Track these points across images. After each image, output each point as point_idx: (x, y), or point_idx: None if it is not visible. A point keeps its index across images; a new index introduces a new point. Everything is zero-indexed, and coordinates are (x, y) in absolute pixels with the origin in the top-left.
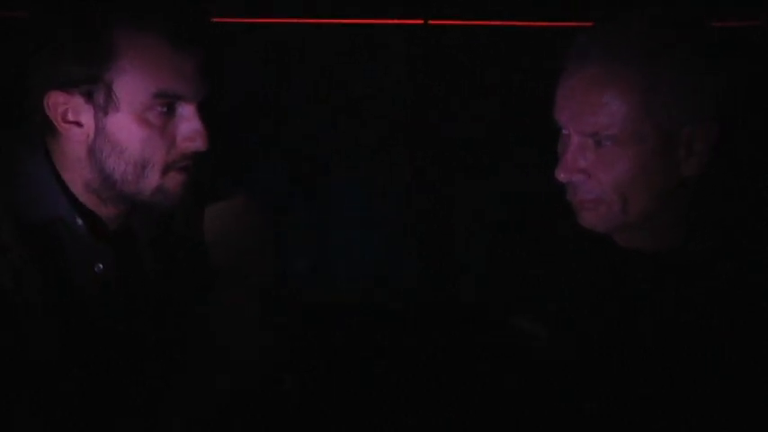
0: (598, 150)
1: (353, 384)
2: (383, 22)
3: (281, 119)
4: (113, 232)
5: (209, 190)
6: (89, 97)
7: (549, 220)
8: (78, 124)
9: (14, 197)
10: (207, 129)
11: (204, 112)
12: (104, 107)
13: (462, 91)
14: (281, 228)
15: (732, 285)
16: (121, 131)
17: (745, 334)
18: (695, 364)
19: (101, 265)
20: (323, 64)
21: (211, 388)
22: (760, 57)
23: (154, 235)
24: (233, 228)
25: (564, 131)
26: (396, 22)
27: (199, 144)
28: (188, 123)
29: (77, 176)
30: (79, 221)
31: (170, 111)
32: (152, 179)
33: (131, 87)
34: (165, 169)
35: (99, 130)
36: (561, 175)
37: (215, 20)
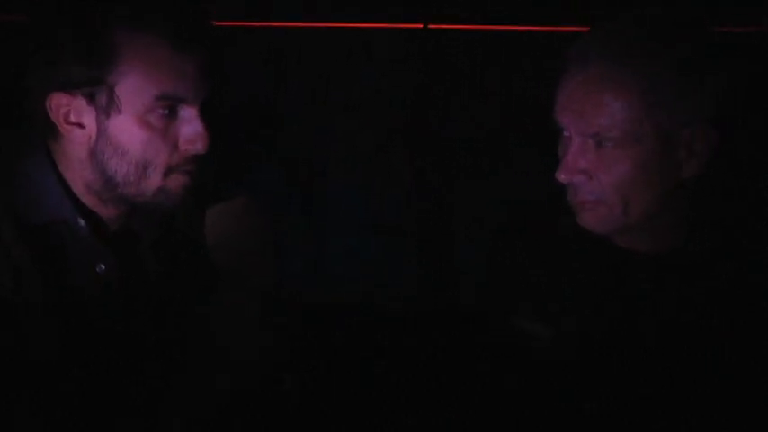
0: (599, 151)
1: (353, 385)
2: (383, 26)
3: (282, 122)
4: (115, 233)
5: (210, 191)
6: (91, 99)
7: (550, 222)
8: (80, 126)
9: (16, 198)
10: (208, 131)
11: (206, 114)
12: (106, 109)
13: (462, 94)
14: (281, 230)
15: (732, 286)
16: (123, 133)
17: (746, 334)
18: (696, 365)
19: (102, 266)
20: (323, 68)
21: (211, 388)
22: (759, 58)
23: (155, 236)
24: (234, 229)
25: (565, 133)
26: (396, 26)
27: (200, 146)
28: (189, 126)
29: (79, 177)
30: (81, 222)
31: (172, 113)
32: (154, 181)
33: (133, 89)
34: (167, 171)
35: (101, 131)
36: (562, 177)
37: (216, 23)
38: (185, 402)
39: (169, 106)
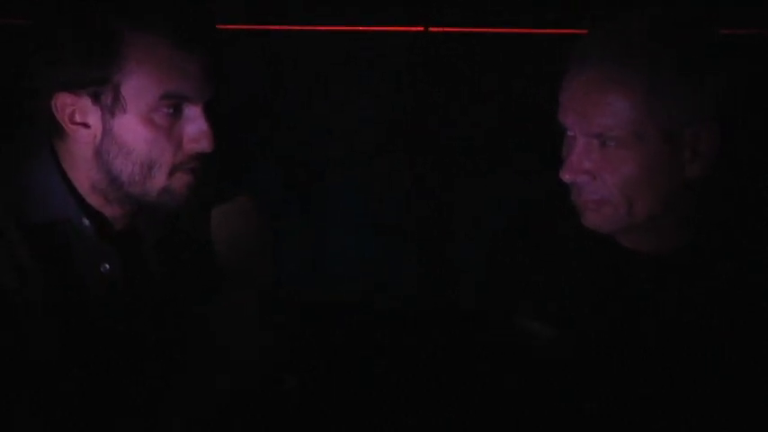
0: (603, 151)
1: (353, 384)
2: (384, 29)
3: (283, 123)
4: (119, 233)
5: (213, 191)
6: (96, 98)
7: (553, 221)
8: (85, 125)
9: (20, 197)
10: (213, 130)
11: (210, 113)
12: (111, 108)
13: (462, 97)
14: (281, 229)
15: (736, 286)
16: (128, 133)
17: (749, 335)
18: (698, 365)
19: (107, 266)
20: (324, 70)
21: (212, 388)
22: (761, 59)
23: (159, 236)
24: (236, 228)
25: (569, 133)
26: (397, 29)
27: (205, 145)
28: (194, 124)
29: (84, 177)
30: (86, 222)
31: (176, 112)
32: (159, 180)
33: (138, 89)
34: (172, 170)
35: (106, 131)
36: (566, 176)
37: (218, 26)
38: (186, 402)
39: (174, 105)
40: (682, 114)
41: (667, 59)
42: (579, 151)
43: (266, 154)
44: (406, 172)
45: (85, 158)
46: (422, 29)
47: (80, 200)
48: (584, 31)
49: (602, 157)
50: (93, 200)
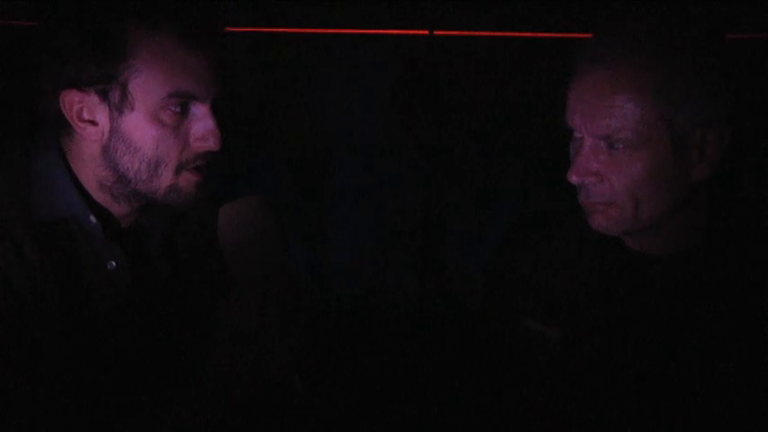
0: (610, 153)
1: (358, 387)
2: (390, 32)
3: (287, 125)
4: (126, 230)
5: (221, 189)
6: (104, 96)
7: (560, 223)
8: (93, 123)
9: (28, 195)
10: (220, 128)
11: (217, 111)
12: (119, 106)
13: (467, 99)
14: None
15: (743, 288)
16: (136, 130)
17: (756, 336)
18: (705, 366)
19: (113, 263)
20: (330, 72)
21: (225, 388)
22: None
23: (166, 233)
24: (248, 227)
25: (576, 134)
26: (402, 32)
27: (212, 143)
28: (201, 123)
29: (91, 174)
30: (92, 219)
31: (183, 110)
32: (165, 178)
33: (146, 87)
34: (179, 168)
35: (114, 128)
36: (573, 178)
37: (228, 29)
38: (196, 401)
39: (181, 103)
40: (689, 117)
41: (675, 62)
42: (586, 153)
43: (267, 154)
44: (410, 174)
45: (93, 156)
46: (427, 32)
47: (87, 197)
48: (589, 36)
49: (610, 158)
50: (100, 197)
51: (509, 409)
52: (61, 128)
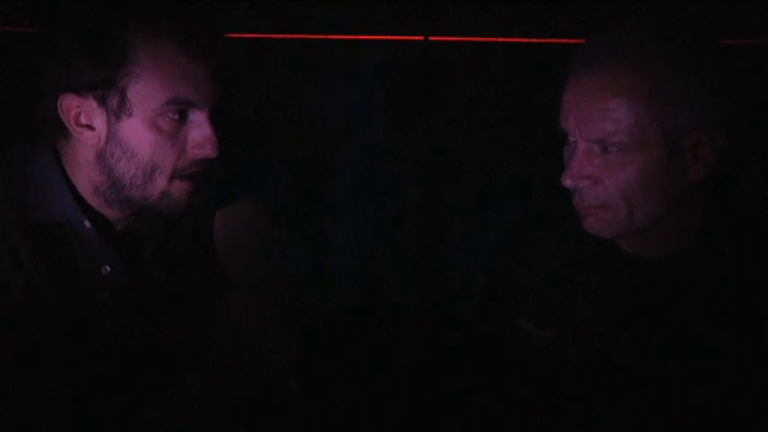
0: (604, 156)
1: (357, 387)
2: (385, 38)
3: (286, 130)
4: (120, 235)
5: (217, 194)
6: (102, 101)
7: (555, 227)
8: (90, 127)
9: (23, 199)
10: (218, 136)
11: (215, 119)
12: (117, 111)
13: (462, 104)
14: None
15: (737, 290)
16: (133, 136)
17: (751, 338)
18: (700, 368)
19: (108, 268)
20: (326, 78)
21: (225, 390)
22: (761, 66)
23: (161, 238)
24: (243, 232)
25: (570, 138)
26: (397, 38)
27: (209, 151)
28: (199, 130)
29: (86, 179)
30: (87, 224)
31: (182, 117)
32: (159, 184)
33: (144, 93)
34: (173, 175)
35: (111, 134)
36: (567, 182)
37: (227, 35)
38: (194, 402)
39: (179, 110)
40: (683, 120)
41: (669, 65)
42: (580, 156)
43: (271, 155)
44: (409, 175)
45: (88, 160)
46: (422, 38)
47: (81, 201)
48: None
49: (604, 162)
50: (95, 202)
51: (507, 409)
52: (58, 131)
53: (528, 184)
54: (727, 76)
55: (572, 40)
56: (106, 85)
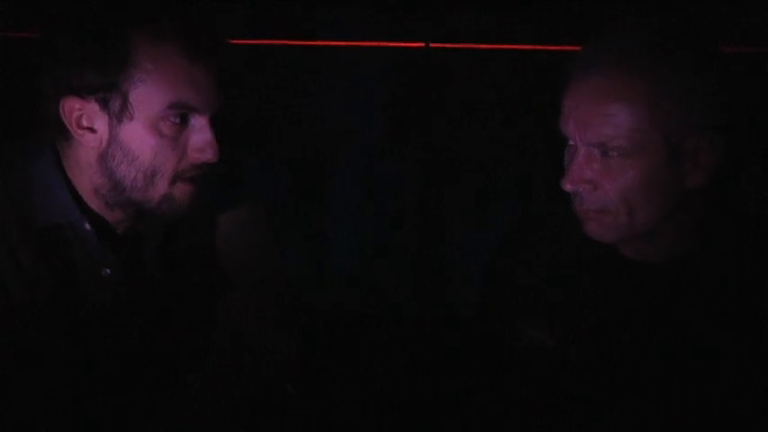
0: (604, 161)
1: (356, 388)
2: (386, 44)
3: (288, 136)
4: (121, 237)
5: (218, 197)
6: (104, 104)
7: (555, 231)
8: (92, 130)
9: (23, 200)
10: (218, 140)
11: (216, 124)
12: (119, 115)
13: (462, 111)
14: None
15: (737, 294)
16: (134, 140)
17: (751, 341)
18: (701, 372)
19: (108, 270)
20: (327, 84)
21: (224, 393)
22: (761, 72)
23: (161, 240)
24: (242, 235)
25: (570, 142)
26: (398, 44)
27: (209, 155)
28: (200, 135)
29: (87, 181)
30: (87, 226)
31: (183, 121)
32: (160, 187)
33: (146, 97)
34: (174, 179)
35: (112, 136)
36: (568, 186)
37: (231, 41)
38: (194, 402)
39: (180, 115)
40: (683, 125)
41: (669, 70)
42: (580, 161)
43: (271, 155)
44: (409, 176)
45: (89, 163)
46: (422, 45)
47: (82, 204)
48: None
49: (604, 166)
50: (95, 204)
51: (506, 411)
52: (59, 133)
53: (527, 186)
54: (726, 81)
55: (572, 47)
56: (108, 89)
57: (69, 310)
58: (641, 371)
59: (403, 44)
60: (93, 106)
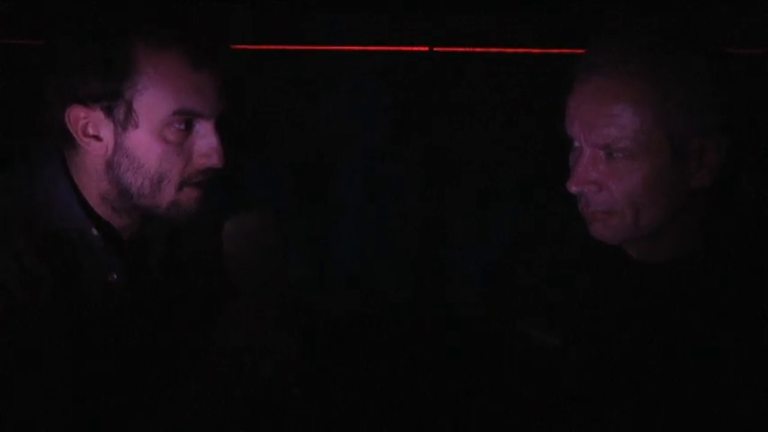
0: (609, 162)
1: (358, 389)
2: (390, 48)
3: (291, 139)
4: (127, 243)
5: (226, 195)
6: (109, 113)
7: (560, 232)
8: (98, 138)
9: (31, 207)
10: (224, 146)
11: (221, 129)
12: (124, 122)
13: (466, 114)
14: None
15: (742, 294)
16: (140, 147)
17: (756, 342)
18: (707, 372)
19: (114, 276)
20: (331, 88)
21: (227, 396)
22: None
23: (167, 246)
24: (248, 242)
25: (575, 144)
26: (402, 49)
27: (215, 160)
28: (205, 140)
29: (94, 188)
30: (94, 232)
31: (188, 127)
32: (167, 194)
33: (151, 104)
34: (181, 184)
35: (118, 144)
36: (573, 187)
37: (235, 46)
38: (196, 401)
39: (185, 121)
40: (687, 125)
41: (674, 71)
42: (586, 162)
43: (270, 158)
44: (411, 179)
45: (96, 170)
46: (426, 49)
47: (89, 210)
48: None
49: (609, 167)
50: (102, 210)
51: (507, 411)
52: (65, 141)
53: (528, 188)
54: (730, 81)
55: (576, 50)
56: (113, 97)
57: (75, 315)
58: (644, 371)
59: (406, 48)
60: (98, 114)
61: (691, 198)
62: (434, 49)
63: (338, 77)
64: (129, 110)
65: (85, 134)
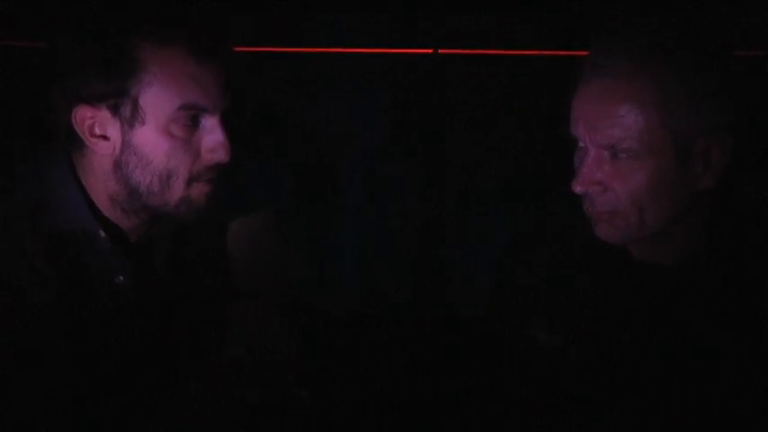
0: (614, 162)
1: (359, 390)
2: (395, 51)
3: (295, 140)
4: (135, 244)
5: (228, 195)
6: (115, 111)
7: (564, 232)
8: (105, 138)
9: (39, 209)
10: (230, 140)
11: (227, 124)
12: (130, 120)
13: (471, 116)
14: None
15: (747, 296)
16: (147, 144)
17: (761, 343)
18: (711, 374)
19: (121, 278)
20: (335, 90)
21: (232, 398)
22: None
23: (174, 248)
24: (253, 242)
25: (580, 144)
26: (407, 51)
27: (222, 155)
28: (211, 135)
29: (102, 189)
30: (102, 234)
31: (194, 123)
32: (176, 190)
33: (156, 100)
34: (190, 181)
35: (125, 142)
36: (578, 188)
37: (240, 48)
38: (198, 401)
39: (191, 116)
40: (693, 126)
41: (678, 71)
42: (590, 163)
43: (270, 158)
44: (411, 179)
45: (104, 170)
46: (431, 51)
47: (97, 212)
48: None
49: (614, 168)
50: (110, 212)
51: (507, 411)
52: (72, 143)
53: (529, 188)
54: (736, 82)
55: (580, 52)
56: (118, 95)
57: (81, 316)
58: (644, 372)
59: (411, 50)
60: (104, 113)
61: (695, 199)
62: (439, 50)
63: (338, 78)
64: (136, 107)
65: (92, 134)
